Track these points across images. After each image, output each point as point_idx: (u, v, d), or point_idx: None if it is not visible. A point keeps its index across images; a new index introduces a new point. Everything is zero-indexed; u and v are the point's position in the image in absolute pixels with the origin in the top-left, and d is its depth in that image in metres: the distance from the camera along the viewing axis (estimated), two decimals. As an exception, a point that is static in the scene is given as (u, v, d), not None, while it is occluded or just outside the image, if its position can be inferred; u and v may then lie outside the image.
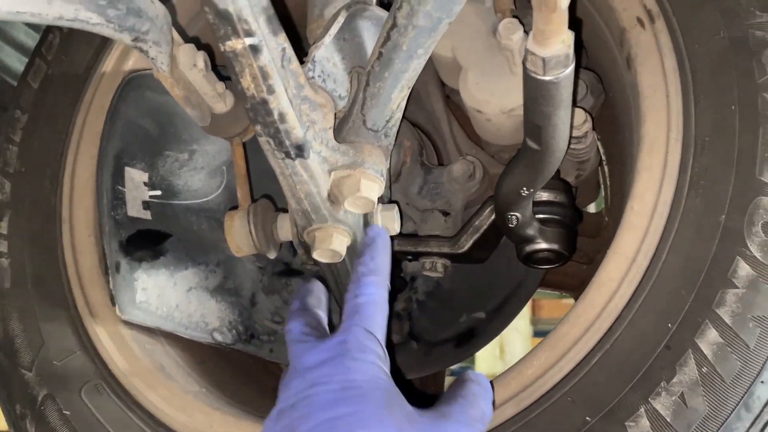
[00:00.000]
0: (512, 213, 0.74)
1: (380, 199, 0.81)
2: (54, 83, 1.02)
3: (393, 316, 0.95)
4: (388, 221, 0.76)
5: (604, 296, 0.69)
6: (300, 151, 0.61)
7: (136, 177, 0.94)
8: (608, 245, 0.72)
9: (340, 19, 0.67)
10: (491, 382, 0.65)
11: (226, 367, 1.00)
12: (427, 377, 1.05)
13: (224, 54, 0.53)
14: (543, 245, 0.78)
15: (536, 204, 0.79)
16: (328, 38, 0.66)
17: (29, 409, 0.85)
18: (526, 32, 0.86)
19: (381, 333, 0.61)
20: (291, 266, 1.00)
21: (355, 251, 0.77)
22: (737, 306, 0.63)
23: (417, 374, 0.96)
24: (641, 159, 0.73)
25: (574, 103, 0.89)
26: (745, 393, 0.62)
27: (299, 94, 0.63)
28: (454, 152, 0.98)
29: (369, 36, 0.71)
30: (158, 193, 0.96)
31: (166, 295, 0.89)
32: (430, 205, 0.93)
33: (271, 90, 0.56)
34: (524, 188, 0.70)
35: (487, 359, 2.76)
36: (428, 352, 0.94)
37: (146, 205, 0.94)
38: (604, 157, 1.05)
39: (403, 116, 1.04)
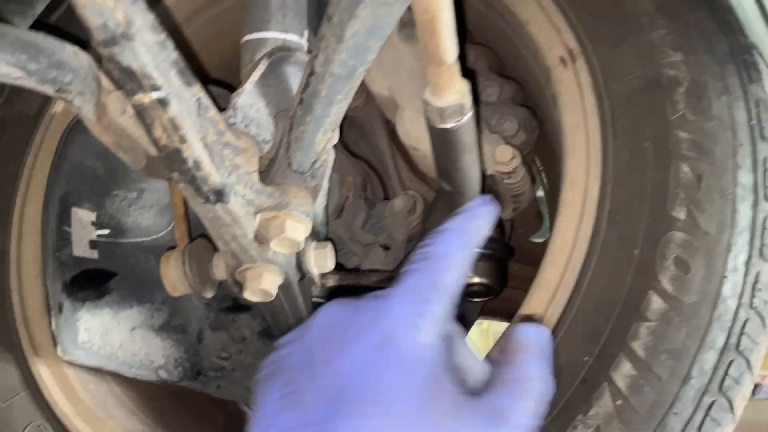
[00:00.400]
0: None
1: (316, 236, 0.83)
2: (6, 125, 1.04)
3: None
4: (321, 259, 0.78)
5: (527, 330, 0.70)
6: (219, 195, 0.63)
7: (83, 217, 0.95)
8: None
9: (261, 67, 0.69)
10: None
11: (175, 404, 1.01)
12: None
13: (133, 107, 0.55)
14: (473, 279, 0.80)
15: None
16: (249, 85, 0.69)
17: (-29, 452, 0.85)
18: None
19: (452, 292, 0.45)
20: (239, 302, 1.01)
21: (290, 290, 0.79)
22: (650, 339, 0.65)
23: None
24: (563, 194, 0.75)
25: (516, 139, 0.91)
26: (659, 425, 0.63)
27: (220, 141, 0.65)
28: (398, 187, 1.00)
29: (295, 81, 0.73)
30: (106, 232, 0.97)
31: (110, 334, 0.90)
32: (373, 240, 0.95)
33: (183, 140, 0.57)
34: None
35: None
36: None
37: (93, 244, 0.95)
38: (547, 188, 1.08)
39: (350, 151, 1.06)
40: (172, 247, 0.84)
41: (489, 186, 0.89)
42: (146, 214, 1.01)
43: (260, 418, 0.42)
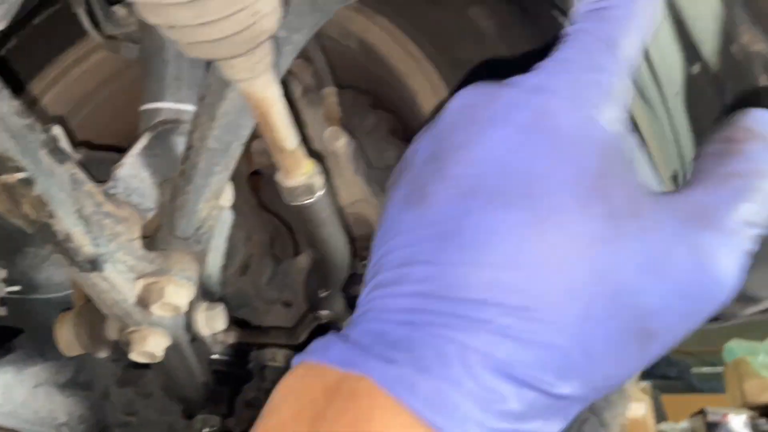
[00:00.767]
0: (321, 311, 0.79)
1: (211, 296, 0.86)
2: None
3: (243, 405, 0.98)
4: (211, 320, 0.80)
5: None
6: (93, 265, 0.66)
7: (-8, 274, 0.97)
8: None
9: (144, 140, 0.73)
10: None
11: (82, 460, 1.01)
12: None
13: (0, 186, 0.58)
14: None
15: (356, 298, 0.84)
16: (130, 158, 0.72)
17: None
18: (355, 137, 0.94)
19: (624, 61, 0.33)
20: (146, 358, 1.03)
21: (180, 351, 0.81)
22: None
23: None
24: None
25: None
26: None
27: (99, 211, 0.68)
28: (306, 244, 1.03)
29: (182, 150, 0.77)
30: (16, 288, 0.99)
31: (12, 392, 0.91)
32: (277, 297, 0.98)
33: (51, 215, 0.61)
34: (321, 290, 0.75)
35: None
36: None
37: (2, 301, 0.96)
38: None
39: (265, 207, 1.10)
40: (70, 307, 0.86)
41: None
42: (59, 270, 1.03)
43: (383, 221, 0.34)
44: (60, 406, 0.94)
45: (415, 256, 0.30)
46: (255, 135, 0.66)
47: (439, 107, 0.39)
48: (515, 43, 0.84)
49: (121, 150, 0.87)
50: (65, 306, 1.01)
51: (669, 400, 4.57)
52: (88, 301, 0.87)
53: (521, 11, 0.85)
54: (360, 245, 0.98)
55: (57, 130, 0.65)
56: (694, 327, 0.30)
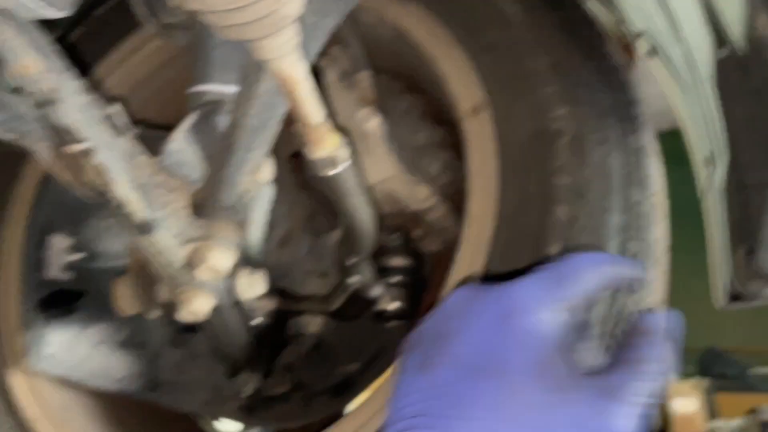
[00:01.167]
0: (351, 278, 0.85)
1: (252, 264, 0.93)
2: (-4, 160, 1.17)
3: (281, 367, 1.06)
4: (250, 285, 0.88)
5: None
6: (146, 228, 0.74)
7: (60, 243, 1.07)
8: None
9: (190, 119, 0.80)
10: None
11: (136, 413, 1.11)
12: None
13: (67, 154, 0.67)
14: (386, 305, 0.89)
15: (384, 269, 0.90)
16: (178, 134, 0.80)
17: (-48, 452, 0.96)
18: (387, 119, 1.00)
19: (572, 285, 0.52)
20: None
21: (224, 313, 0.89)
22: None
23: (299, 422, 1.05)
24: (463, 231, 0.84)
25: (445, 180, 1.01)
26: None
27: (152, 181, 0.76)
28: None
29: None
30: (80, 256, 1.09)
31: (76, 348, 1.00)
32: (314, 268, 1.04)
33: (109, 182, 0.69)
34: (350, 258, 0.81)
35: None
36: (308, 402, 1.04)
37: (67, 267, 1.07)
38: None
39: (306, 185, 1.17)
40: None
41: (405, 222, 0.99)
42: (118, 240, 1.12)
43: (401, 381, 0.51)
44: (118, 363, 1.03)
45: (424, 411, 0.47)
46: (296, 119, 0.72)
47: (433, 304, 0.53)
48: (541, 28, 0.88)
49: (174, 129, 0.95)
50: (122, 273, 1.11)
51: (725, 398, 4.47)
52: (142, 266, 0.95)
53: (547, -4, 0.89)
54: (390, 221, 1.04)
55: (116, 107, 0.72)
56: None
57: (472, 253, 0.82)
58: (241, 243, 0.83)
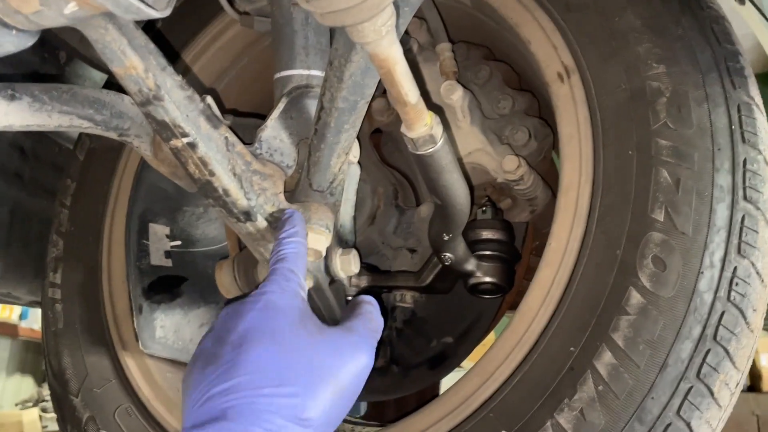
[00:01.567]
0: (444, 254, 0.85)
1: (345, 244, 0.94)
2: (96, 155, 1.22)
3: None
4: (346, 264, 0.89)
5: (524, 324, 0.79)
6: (247, 216, 0.76)
7: (158, 231, 1.12)
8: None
9: (280, 105, 0.81)
10: None
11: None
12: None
13: (170, 150, 0.69)
14: (480, 278, 0.89)
15: (476, 242, 0.89)
16: (271, 121, 0.81)
17: (76, 429, 1.04)
18: (469, 89, 0.98)
19: (301, 271, 0.71)
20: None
21: (321, 291, 0.91)
22: (629, 331, 0.71)
23: (397, 395, 1.08)
24: (559, 200, 0.82)
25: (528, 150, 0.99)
26: (638, 408, 0.70)
27: (249, 169, 0.78)
28: (427, 194, 1.09)
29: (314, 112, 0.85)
30: (179, 243, 1.13)
31: (182, 330, 1.05)
32: (402, 244, 1.05)
33: (212, 173, 0.71)
34: (444, 234, 0.81)
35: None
36: (406, 374, 1.06)
37: (168, 254, 1.11)
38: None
39: (386, 162, 1.17)
40: (226, 257, 0.98)
41: (492, 194, 0.97)
42: (212, 226, 1.16)
43: (189, 390, 0.59)
44: (221, 343, 1.08)
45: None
46: (374, 96, 0.72)
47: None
48: None
49: (260, 116, 0.97)
50: (219, 257, 1.15)
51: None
52: (241, 249, 0.98)
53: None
54: (477, 193, 1.03)
55: (210, 100, 0.74)
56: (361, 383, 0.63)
57: (569, 222, 0.80)
58: (335, 224, 0.84)
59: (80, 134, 1.27)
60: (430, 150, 0.64)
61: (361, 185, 1.03)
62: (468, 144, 0.98)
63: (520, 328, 0.79)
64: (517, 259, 0.93)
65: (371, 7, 0.47)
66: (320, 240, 0.81)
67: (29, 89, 0.71)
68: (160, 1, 0.55)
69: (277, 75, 0.90)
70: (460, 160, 0.96)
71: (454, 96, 0.92)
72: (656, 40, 0.79)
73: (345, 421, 1.23)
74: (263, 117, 0.90)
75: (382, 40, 0.52)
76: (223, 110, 0.81)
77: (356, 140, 0.86)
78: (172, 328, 1.05)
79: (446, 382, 0.98)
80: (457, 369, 1.02)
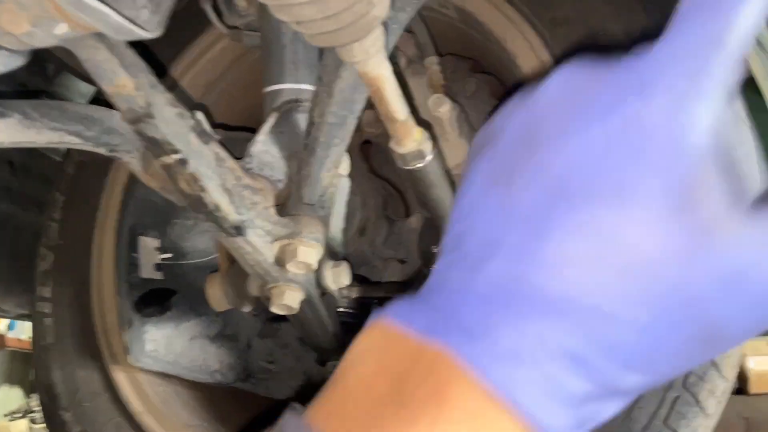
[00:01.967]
0: (433, 266, 0.86)
1: (335, 256, 0.95)
2: (85, 169, 1.22)
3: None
4: (337, 276, 0.90)
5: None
6: (238, 230, 0.76)
7: (149, 244, 1.12)
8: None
9: (271, 120, 0.82)
10: None
11: (233, 402, 1.16)
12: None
13: (160, 166, 0.69)
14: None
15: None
16: (261, 136, 0.82)
17: (67, 444, 1.03)
18: (457, 102, 0.99)
19: (729, 54, 0.29)
20: (281, 313, 1.15)
21: (313, 304, 0.91)
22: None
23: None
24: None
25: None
26: (626, 418, 0.71)
27: (239, 184, 0.78)
28: (417, 204, 1.10)
29: (305, 126, 0.85)
30: (169, 255, 1.13)
31: (172, 344, 1.05)
32: (393, 255, 1.06)
33: (202, 189, 0.71)
34: (433, 246, 0.82)
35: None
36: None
37: (158, 267, 1.11)
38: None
39: (376, 173, 1.18)
40: (216, 269, 0.99)
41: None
42: (202, 238, 1.16)
43: (464, 194, 0.36)
44: (212, 356, 1.08)
45: (499, 240, 0.32)
46: (382, 115, 0.73)
47: (540, 74, 0.42)
48: None
49: (250, 129, 0.97)
50: (210, 269, 1.15)
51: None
52: (232, 262, 0.99)
53: (618, -35, 0.86)
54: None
55: (200, 115, 0.75)
56: (764, 328, 0.30)
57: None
58: (325, 237, 0.85)
59: (68, 149, 1.27)
60: (420, 165, 0.65)
61: (351, 197, 1.04)
62: (457, 156, 0.99)
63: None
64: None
65: (360, 29, 0.48)
66: (311, 253, 0.81)
67: (19, 106, 0.72)
68: (151, 21, 0.56)
69: (267, 89, 0.90)
70: (449, 172, 0.97)
71: (443, 109, 0.93)
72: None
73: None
74: (253, 130, 0.91)
75: (371, 59, 0.53)
76: (213, 125, 0.82)
77: (346, 153, 0.87)
78: (162, 341, 1.05)
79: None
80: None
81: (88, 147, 0.77)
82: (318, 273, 0.89)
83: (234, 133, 0.93)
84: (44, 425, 1.10)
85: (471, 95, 1.04)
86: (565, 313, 0.30)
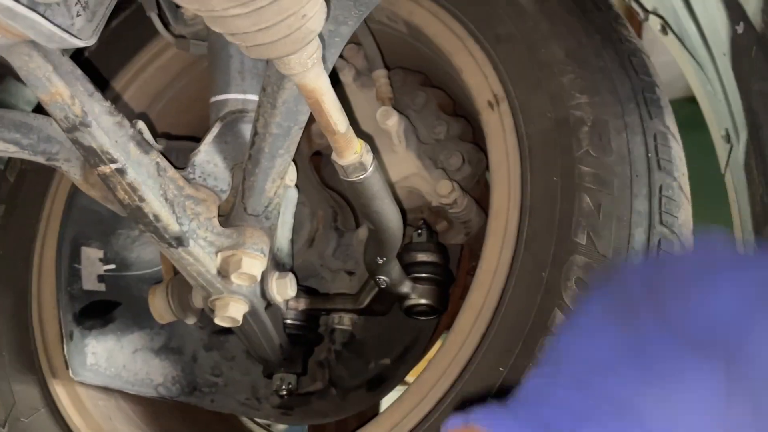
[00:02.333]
0: (379, 277, 0.87)
1: (282, 267, 0.95)
2: (27, 177, 1.19)
3: (315, 365, 1.08)
4: (282, 288, 0.89)
5: (456, 345, 0.80)
6: (179, 241, 0.75)
7: (92, 255, 1.10)
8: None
9: (215, 130, 0.81)
10: None
11: (178, 417, 1.14)
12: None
13: (98, 175, 0.68)
14: (415, 300, 0.90)
15: (411, 264, 0.91)
16: (204, 145, 0.81)
17: (2, 462, 1.00)
18: (405, 115, 1.00)
19: None
20: (227, 325, 1.14)
21: (257, 316, 0.90)
22: (554, 351, 0.74)
23: (336, 417, 1.08)
24: (489, 224, 0.85)
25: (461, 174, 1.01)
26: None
27: (181, 194, 0.78)
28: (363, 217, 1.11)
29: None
30: (112, 267, 1.11)
31: (114, 357, 1.03)
32: (341, 266, 1.06)
33: (141, 199, 0.70)
34: (378, 257, 0.82)
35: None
36: (345, 397, 1.06)
37: (101, 278, 1.09)
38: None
39: (326, 184, 1.18)
40: (160, 281, 0.97)
41: (428, 217, 1.00)
42: (147, 249, 1.14)
43: (577, 314, 0.37)
44: (156, 369, 1.06)
45: (614, 370, 0.32)
46: (313, 119, 0.73)
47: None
48: (555, 15, 0.88)
49: (195, 139, 0.96)
50: (155, 281, 1.13)
51: None
52: (175, 274, 0.97)
53: (559, -16, 0.89)
54: (412, 216, 1.05)
55: (141, 125, 0.74)
56: None
57: (498, 246, 0.82)
58: (270, 248, 0.85)
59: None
60: (361, 177, 0.65)
61: (300, 208, 1.04)
62: (404, 168, 1.00)
63: (453, 349, 0.80)
64: (451, 281, 0.95)
65: (295, 42, 0.48)
66: (255, 264, 0.81)
67: (-48, 113, 0.70)
68: (85, 30, 0.55)
69: (213, 99, 0.90)
70: (395, 185, 0.98)
71: (390, 122, 0.94)
72: (579, 71, 0.83)
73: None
74: (199, 140, 0.90)
75: (309, 72, 0.53)
76: (156, 134, 0.81)
77: (293, 164, 0.87)
78: (104, 354, 1.02)
79: (387, 400, 0.99)
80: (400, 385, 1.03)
81: (25, 155, 0.75)
82: (263, 284, 0.89)
83: (178, 143, 0.92)
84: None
85: (420, 108, 1.05)
86: None
